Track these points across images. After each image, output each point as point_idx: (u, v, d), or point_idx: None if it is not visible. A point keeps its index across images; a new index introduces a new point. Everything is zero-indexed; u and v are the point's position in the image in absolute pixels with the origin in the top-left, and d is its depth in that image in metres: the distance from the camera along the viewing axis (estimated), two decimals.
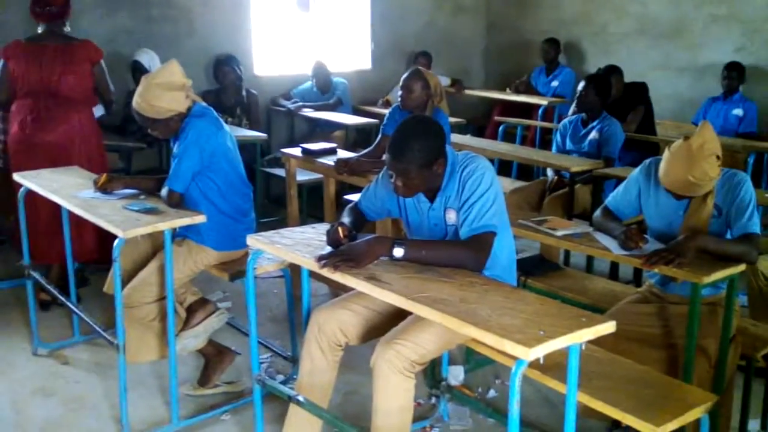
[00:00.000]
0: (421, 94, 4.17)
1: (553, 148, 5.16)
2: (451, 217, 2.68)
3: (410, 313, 2.42)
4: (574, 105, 5.41)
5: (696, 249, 2.71)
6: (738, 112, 6.15)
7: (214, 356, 3.46)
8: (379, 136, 4.51)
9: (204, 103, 3.38)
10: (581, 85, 4.94)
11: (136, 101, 3.23)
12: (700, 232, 2.79)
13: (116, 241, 2.97)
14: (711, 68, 6.58)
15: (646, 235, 2.93)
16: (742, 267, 2.74)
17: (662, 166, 2.81)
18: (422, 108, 4.18)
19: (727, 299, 2.76)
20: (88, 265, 4.71)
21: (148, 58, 5.73)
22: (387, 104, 6.88)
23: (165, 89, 3.19)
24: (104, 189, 3.40)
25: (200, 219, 3.15)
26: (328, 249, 2.59)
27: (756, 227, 2.80)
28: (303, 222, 4.66)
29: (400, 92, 4.24)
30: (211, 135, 3.27)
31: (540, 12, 8.02)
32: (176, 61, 3.29)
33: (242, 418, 3.28)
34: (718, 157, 2.75)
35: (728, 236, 2.86)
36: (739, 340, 2.92)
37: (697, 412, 2.37)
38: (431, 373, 3.49)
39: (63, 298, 3.73)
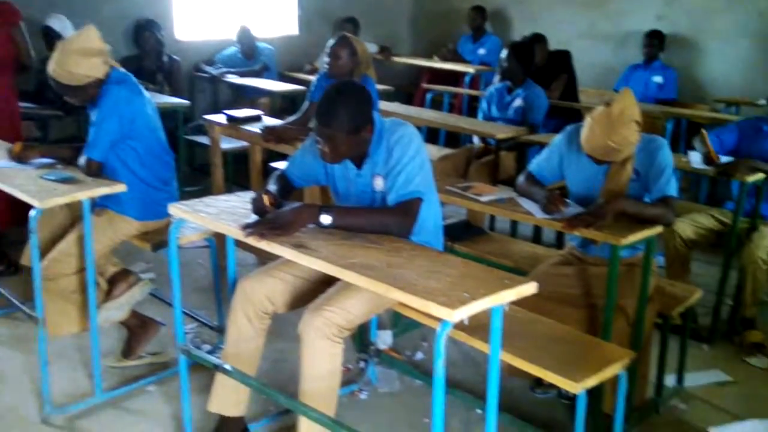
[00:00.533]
0: (347, 61, 4.14)
1: (479, 115, 5.21)
2: (379, 183, 2.68)
3: (338, 280, 2.42)
4: (498, 73, 5.45)
5: (615, 212, 2.78)
6: (658, 79, 6.32)
7: (137, 327, 3.40)
8: (306, 103, 4.46)
9: (122, 69, 3.28)
10: (503, 53, 4.98)
11: (52, 68, 3.10)
12: (619, 195, 2.86)
13: (33, 212, 2.87)
14: (633, 36, 6.73)
15: (567, 200, 3.00)
16: (659, 229, 2.83)
17: (583, 131, 2.87)
18: (349, 75, 4.15)
19: (645, 260, 2.85)
20: (3, 237, 4.54)
21: (59, 23, 5.48)
22: (314, 71, 6.80)
23: (82, 55, 3.08)
24: (19, 158, 3.28)
25: (120, 188, 3.07)
26: (254, 218, 2.56)
27: (673, 190, 2.89)
28: (228, 191, 4.58)
29: (326, 59, 4.20)
30: (130, 101, 3.17)
31: None
32: (93, 26, 3.18)
33: (168, 389, 3.25)
34: (637, 122, 2.82)
35: (646, 199, 2.94)
36: (656, 299, 3.02)
37: (616, 368, 2.45)
38: (360, 338, 3.51)
39: None
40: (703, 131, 3.87)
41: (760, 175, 3.66)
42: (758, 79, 5.98)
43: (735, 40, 6.27)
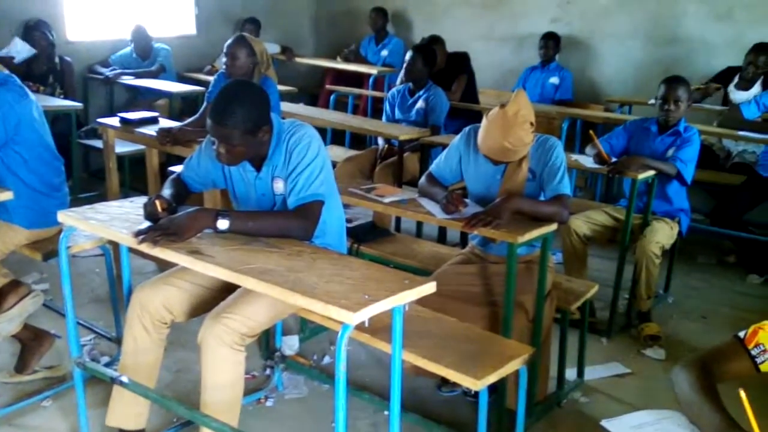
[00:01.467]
0: (246, 62, 4.08)
1: (383, 117, 5.23)
2: (279, 186, 2.64)
3: (239, 287, 2.37)
4: (401, 74, 5.49)
5: (511, 211, 2.84)
6: (554, 80, 6.49)
7: (31, 341, 3.24)
8: (204, 103, 4.37)
9: (6, 71, 3.13)
10: (408, 55, 5.02)
11: None
12: (516, 194, 2.92)
13: None
14: (530, 38, 6.89)
15: (466, 199, 3.04)
16: (554, 226, 2.89)
17: (480, 133, 2.92)
18: (248, 76, 4.09)
19: (542, 257, 2.91)
20: None
21: None
22: (214, 71, 6.66)
23: None
24: None
25: (6, 196, 2.92)
26: (148, 224, 2.48)
27: (566, 189, 2.97)
28: (125, 196, 4.43)
29: (224, 60, 4.12)
30: (14, 104, 3.04)
31: None
32: None
33: (64, 404, 3.11)
34: (531, 123, 2.88)
35: (542, 198, 3.01)
36: (554, 295, 3.10)
37: (516, 364, 2.50)
38: (265, 344, 3.46)
39: None
40: (592, 133, 4.00)
41: (650, 173, 3.80)
42: (649, 80, 6.19)
43: (627, 41, 6.52)
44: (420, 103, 4.99)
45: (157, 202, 2.48)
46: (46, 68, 5.84)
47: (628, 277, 3.97)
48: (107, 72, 6.36)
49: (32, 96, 3.18)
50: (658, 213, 4.01)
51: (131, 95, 6.59)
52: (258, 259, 2.28)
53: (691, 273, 4.75)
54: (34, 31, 5.80)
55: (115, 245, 2.76)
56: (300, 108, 5.58)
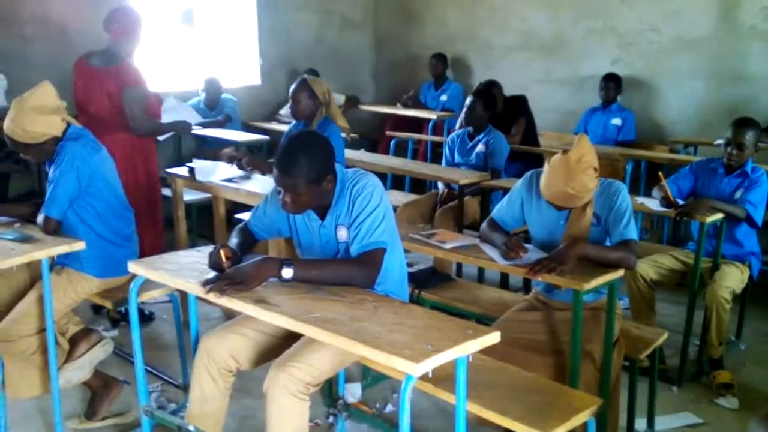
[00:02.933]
0: (308, 104, 4.20)
1: (443, 161, 5.25)
2: (342, 234, 2.67)
3: (303, 335, 2.39)
4: (461, 118, 5.52)
5: (576, 256, 2.80)
6: (617, 121, 6.42)
7: (100, 388, 3.32)
8: None
9: (79, 125, 3.26)
10: (468, 99, 5.05)
11: (8, 126, 3.08)
12: (580, 240, 2.88)
13: None
14: (590, 80, 6.85)
15: (527, 245, 3.02)
16: (621, 272, 2.85)
17: (543, 179, 2.90)
18: (312, 117, 4.20)
19: (609, 304, 2.86)
20: None
21: None
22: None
23: (38, 113, 3.06)
24: None
25: (79, 246, 3.02)
26: (216, 273, 2.53)
27: (633, 233, 2.92)
28: (193, 244, 4.57)
29: (290, 104, 4.27)
30: (87, 158, 3.16)
31: (426, 27, 8.16)
32: (49, 83, 3.17)
33: None
34: (595, 169, 2.85)
35: (607, 243, 2.97)
36: (622, 343, 3.03)
37: (584, 416, 2.44)
38: (328, 392, 3.47)
39: None
40: (661, 175, 3.94)
41: (718, 215, 3.72)
42: (714, 119, 6.10)
43: (689, 81, 6.42)
44: (480, 147, 5.00)
45: (222, 252, 2.53)
46: None
47: (699, 322, 3.86)
48: None
49: (105, 150, 3.30)
50: (727, 257, 3.91)
51: (198, 144, 6.76)
52: (322, 308, 2.31)
53: (763, 318, 4.58)
54: None
55: (183, 292, 2.82)
56: (361, 154, 5.65)
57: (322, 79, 7.17)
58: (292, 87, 4.27)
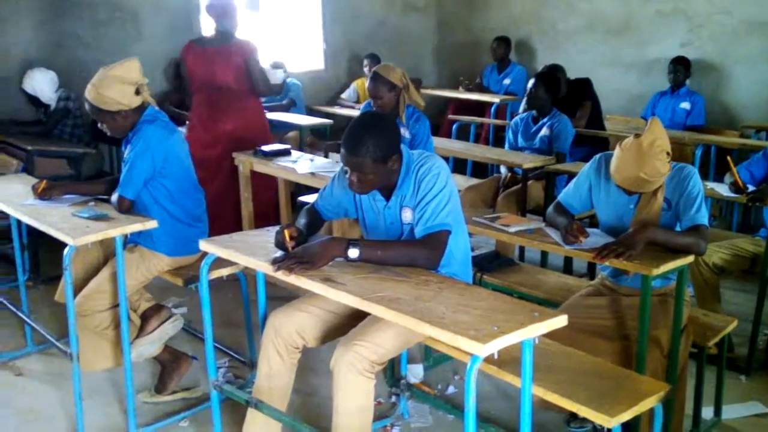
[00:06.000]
0: (390, 96, 4.13)
1: (506, 145, 5.22)
2: (407, 215, 2.69)
3: (368, 314, 2.43)
4: (524, 102, 5.47)
5: (645, 241, 2.76)
6: (685, 105, 6.28)
7: (170, 363, 3.42)
8: None
9: (156, 107, 3.34)
10: (531, 83, 5.00)
11: (88, 89, 3.19)
12: (650, 225, 2.84)
13: (66, 249, 2.92)
14: (658, 63, 6.71)
15: (593, 229, 2.98)
16: (690, 258, 2.79)
17: (613, 163, 2.85)
18: (396, 107, 4.16)
19: (677, 290, 2.81)
20: (40, 275, 4.65)
21: (30, 82, 5.46)
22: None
23: (117, 81, 3.15)
24: (43, 196, 3.35)
25: (152, 225, 3.11)
26: (283, 252, 2.58)
27: (704, 219, 2.86)
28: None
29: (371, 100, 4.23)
30: (163, 140, 3.23)
31: (490, 10, 8.09)
32: (137, 60, 3.25)
33: (201, 424, 3.25)
34: (668, 153, 2.79)
35: (677, 228, 2.91)
36: (690, 330, 2.98)
37: (651, 402, 2.41)
38: (391, 372, 3.50)
39: (14, 309, 3.66)
40: (729, 159, 3.84)
41: None
42: None
43: (761, 64, 6.23)
44: (544, 131, 4.94)
45: (286, 232, 2.58)
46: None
47: None
48: None
49: (179, 132, 3.38)
50: None
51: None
52: (387, 288, 2.33)
53: None
54: (179, 67, 6.15)
55: (251, 271, 2.88)
56: None
57: (382, 62, 7.28)
58: (368, 85, 4.20)
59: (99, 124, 3.29)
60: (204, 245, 2.78)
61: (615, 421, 2.28)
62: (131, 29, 6.27)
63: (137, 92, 3.20)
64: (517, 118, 5.21)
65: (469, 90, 7.53)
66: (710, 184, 3.96)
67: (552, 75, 5.20)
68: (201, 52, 4.90)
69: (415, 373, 3.56)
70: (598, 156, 3.10)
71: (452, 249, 2.68)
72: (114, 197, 3.23)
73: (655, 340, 2.78)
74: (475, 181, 5.59)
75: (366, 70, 7.08)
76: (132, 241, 3.32)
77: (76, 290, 3.16)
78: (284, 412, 2.76)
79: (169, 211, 3.28)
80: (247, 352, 3.63)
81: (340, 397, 2.49)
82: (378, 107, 4.16)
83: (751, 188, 3.76)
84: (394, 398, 3.40)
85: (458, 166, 6.44)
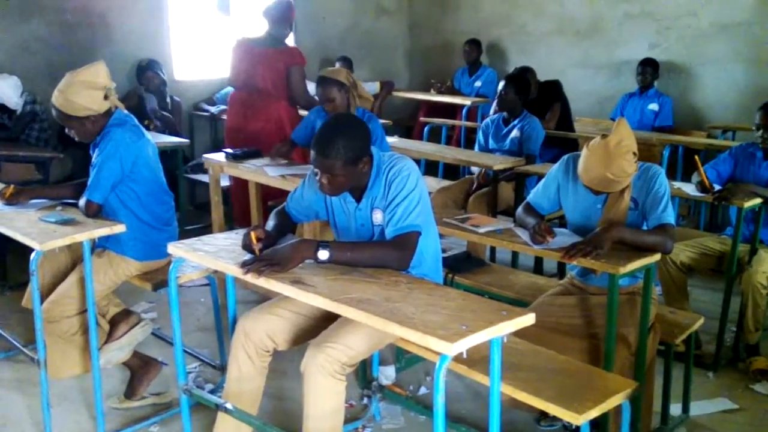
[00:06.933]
0: (342, 96, 4.15)
1: (476, 147, 5.24)
2: (378, 217, 2.70)
3: (339, 316, 2.43)
4: (495, 104, 5.49)
5: (613, 240, 2.79)
6: (654, 106, 6.35)
7: (139, 368, 3.39)
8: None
9: (125, 111, 3.31)
10: (501, 85, 5.03)
11: (55, 95, 3.16)
12: (618, 224, 2.87)
13: (33, 254, 2.88)
14: (627, 65, 6.78)
15: (561, 229, 3.01)
16: (657, 257, 2.83)
17: (581, 163, 2.88)
18: (349, 107, 4.18)
19: (644, 288, 2.84)
20: (7, 281, 4.59)
21: None
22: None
23: (85, 87, 3.12)
24: (11, 201, 3.31)
25: (120, 229, 3.08)
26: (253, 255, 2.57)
27: (670, 218, 2.90)
28: (229, 228, 4.61)
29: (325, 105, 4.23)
30: (131, 144, 3.20)
31: (461, 13, 8.12)
32: (104, 63, 3.22)
33: (171, 429, 3.23)
34: (634, 153, 2.82)
35: (644, 227, 2.95)
36: (657, 327, 3.02)
37: (618, 399, 2.44)
38: (362, 374, 3.50)
39: None
40: (697, 159, 3.90)
41: (756, 200, 3.67)
42: (753, 105, 5.94)
43: (728, 65, 6.33)
44: (515, 132, 4.97)
45: (253, 234, 2.58)
46: (158, 106, 6.14)
47: (736, 309, 3.82)
48: (212, 109, 6.63)
49: (148, 135, 3.36)
50: (765, 242, 3.86)
51: None
52: (357, 289, 2.33)
53: None
54: (147, 70, 6.13)
55: (221, 275, 2.87)
56: (394, 140, 5.66)
57: (355, 65, 7.29)
58: (316, 91, 4.21)
59: (67, 130, 3.26)
60: (172, 249, 2.76)
61: (583, 419, 2.31)
62: (100, 32, 6.21)
63: (105, 97, 3.18)
64: (487, 120, 5.24)
65: (440, 92, 7.56)
66: (677, 184, 4.02)
67: (522, 77, 5.24)
68: (249, 50, 5.02)
69: (386, 374, 3.56)
70: (566, 157, 3.13)
71: (423, 250, 2.69)
72: (82, 201, 3.20)
73: (622, 338, 2.81)
74: (446, 182, 5.61)
75: None
76: (100, 246, 3.29)
77: (44, 296, 3.13)
78: (255, 415, 2.75)
79: (137, 215, 3.25)
80: (218, 356, 3.61)
81: (310, 400, 2.48)
82: (330, 110, 4.18)
83: (717, 187, 3.81)
84: (365, 400, 3.40)
85: (430, 168, 6.46)
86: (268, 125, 4.98)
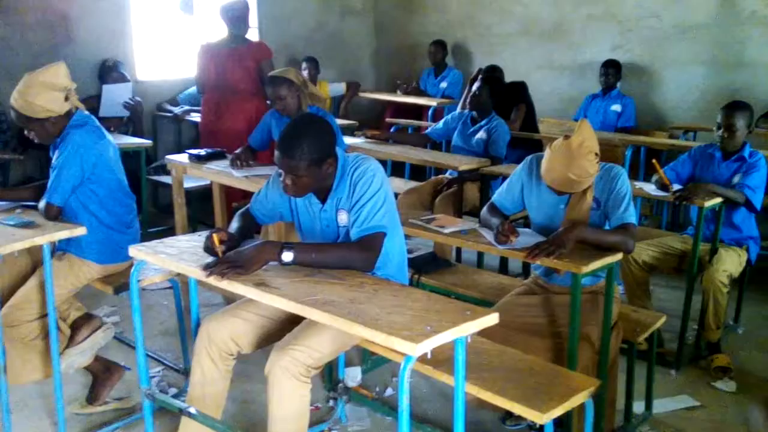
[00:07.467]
0: (294, 95, 4.16)
1: (431, 129, 5.31)
2: (343, 218, 2.69)
3: (303, 318, 2.41)
4: (462, 101, 5.51)
5: (575, 240, 2.81)
6: (616, 107, 6.41)
7: (102, 373, 3.34)
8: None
9: (86, 111, 3.27)
10: (476, 84, 5.04)
11: (14, 97, 3.10)
12: (580, 223, 2.89)
13: None
14: (590, 66, 6.85)
15: (525, 229, 3.03)
16: (619, 256, 2.86)
17: (543, 164, 2.90)
18: (300, 107, 4.17)
19: (607, 287, 2.87)
20: None
21: None
22: None
23: (45, 88, 3.07)
24: None
25: (80, 231, 3.03)
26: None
27: (632, 218, 2.93)
28: (193, 230, 4.58)
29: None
30: (92, 146, 3.16)
31: (426, 14, 8.14)
32: (64, 64, 3.17)
33: None
34: (596, 154, 2.85)
35: (606, 227, 2.98)
36: (620, 326, 3.05)
37: (582, 397, 2.46)
38: (329, 376, 3.49)
39: None
40: (655, 161, 3.96)
41: (716, 200, 3.73)
42: (714, 105, 6.02)
43: (690, 67, 6.42)
44: (481, 134, 4.99)
45: (214, 236, 2.55)
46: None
47: (697, 307, 3.88)
48: (176, 110, 6.56)
49: (109, 136, 3.31)
50: (725, 241, 3.92)
51: (198, 132, 6.75)
52: (321, 291, 2.32)
53: (761, 302, 4.61)
54: (112, 71, 6.04)
55: (184, 278, 2.84)
56: (361, 141, 5.65)
57: (321, 66, 7.27)
58: (268, 90, 4.23)
59: (26, 132, 3.20)
60: (133, 252, 2.73)
61: (546, 417, 2.32)
62: (60, 32, 6.11)
63: (66, 98, 3.13)
64: (456, 113, 5.26)
65: (406, 93, 7.57)
66: (639, 184, 4.07)
67: (499, 80, 5.29)
68: (217, 53, 5.22)
69: (352, 376, 3.56)
70: (529, 157, 3.16)
71: (388, 251, 2.68)
72: (41, 204, 3.15)
73: (585, 337, 2.84)
74: (413, 183, 5.62)
75: (305, 73, 7.05)
76: (61, 249, 3.24)
77: (4, 300, 3.09)
78: (219, 419, 2.73)
79: (98, 217, 3.21)
80: (181, 360, 3.57)
81: (274, 403, 2.47)
82: (281, 110, 4.20)
83: (677, 186, 3.87)
84: (331, 402, 3.39)
85: (396, 169, 6.46)
86: (245, 124, 5.02)
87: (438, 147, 5.68)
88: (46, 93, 3.07)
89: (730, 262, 3.77)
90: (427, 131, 5.38)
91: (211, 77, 5.25)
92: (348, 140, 5.26)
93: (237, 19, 5.24)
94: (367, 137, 5.31)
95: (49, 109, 3.09)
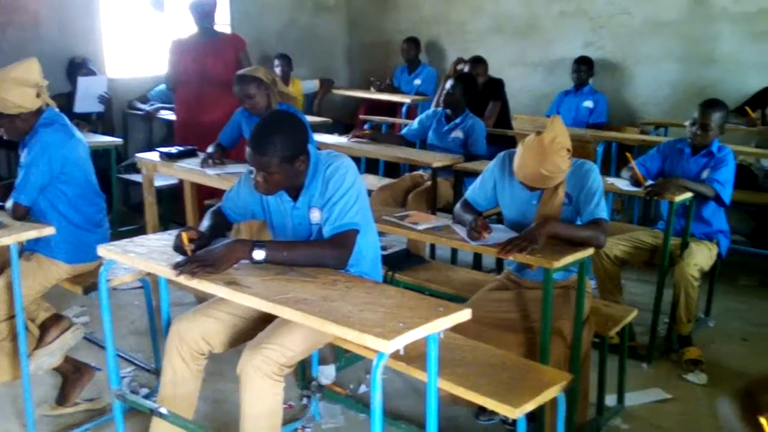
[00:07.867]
0: (263, 94, 4.12)
1: (405, 129, 5.29)
2: (315, 216, 2.67)
3: (275, 317, 2.39)
4: (437, 99, 5.51)
5: (547, 235, 2.82)
6: (588, 104, 6.45)
7: (72, 373, 3.30)
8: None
9: (56, 109, 3.22)
10: (450, 83, 5.04)
11: None
12: (552, 219, 2.90)
13: None
14: (562, 63, 6.88)
15: (498, 225, 3.04)
16: (590, 251, 2.87)
17: (516, 160, 2.91)
18: (269, 105, 4.13)
19: (579, 282, 2.89)
20: None
21: None
22: None
23: (16, 84, 3.04)
24: None
25: (49, 231, 2.99)
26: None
27: (603, 213, 2.94)
28: (164, 229, 4.52)
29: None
30: (61, 144, 3.12)
31: (400, 11, 8.13)
32: (36, 60, 3.13)
33: None
34: (568, 150, 2.86)
35: (578, 222, 2.99)
36: (592, 320, 3.07)
37: (554, 391, 2.47)
38: (302, 374, 3.47)
39: None
40: (629, 155, 3.99)
41: (687, 195, 3.76)
42: (685, 101, 6.15)
43: (661, 63, 6.47)
44: (457, 133, 4.99)
45: (184, 235, 2.52)
46: None
47: (668, 300, 3.92)
48: (146, 107, 6.50)
49: (79, 135, 3.27)
50: (696, 235, 3.96)
51: (169, 129, 6.70)
52: (293, 289, 2.30)
53: (732, 295, 4.67)
54: (81, 68, 5.96)
55: (154, 277, 2.81)
56: (335, 138, 5.64)
57: (294, 63, 7.23)
58: (236, 89, 4.14)
59: None
60: (102, 251, 2.69)
61: (519, 412, 2.33)
62: (30, 30, 6.02)
63: (37, 94, 3.09)
64: (429, 112, 5.26)
65: (380, 90, 7.56)
66: (611, 180, 4.09)
67: (472, 78, 5.28)
68: (192, 48, 5.24)
69: (326, 374, 3.54)
70: (502, 154, 3.16)
71: (361, 248, 2.67)
72: (9, 204, 3.11)
73: (558, 332, 2.85)
74: (387, 180, 5.61)
75: (278, 70, 7.01)
76: (29, 249, 3.19)
77: None
78: (190, 419, 2.70)
79: (67, 217, 3.17)
80: (152, 360, 3.54)
81: (247, 402, 2.45)
82: (250, 108, 4.16)
83: (649, 182, 3.90)
84: (305, 400, 3.37)
85: (370, 166, 6.45)
86: (224, 117, 4.87)
87: (412, 144, 5.68)
88: (17, 89, 3.03)
89: (701, 256, 3.81)
90: (402, 132, 5.36)
91: (186, 72, 5.25)
92: (330, 139, 5.26)
93: (207, 14, 5.29)
94: (354, 138, 5.28)
95: (20, 105, 3.05)
